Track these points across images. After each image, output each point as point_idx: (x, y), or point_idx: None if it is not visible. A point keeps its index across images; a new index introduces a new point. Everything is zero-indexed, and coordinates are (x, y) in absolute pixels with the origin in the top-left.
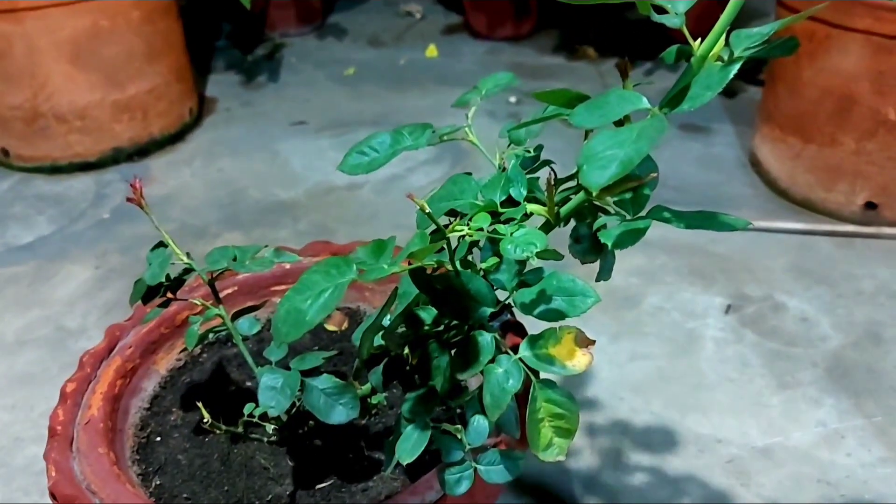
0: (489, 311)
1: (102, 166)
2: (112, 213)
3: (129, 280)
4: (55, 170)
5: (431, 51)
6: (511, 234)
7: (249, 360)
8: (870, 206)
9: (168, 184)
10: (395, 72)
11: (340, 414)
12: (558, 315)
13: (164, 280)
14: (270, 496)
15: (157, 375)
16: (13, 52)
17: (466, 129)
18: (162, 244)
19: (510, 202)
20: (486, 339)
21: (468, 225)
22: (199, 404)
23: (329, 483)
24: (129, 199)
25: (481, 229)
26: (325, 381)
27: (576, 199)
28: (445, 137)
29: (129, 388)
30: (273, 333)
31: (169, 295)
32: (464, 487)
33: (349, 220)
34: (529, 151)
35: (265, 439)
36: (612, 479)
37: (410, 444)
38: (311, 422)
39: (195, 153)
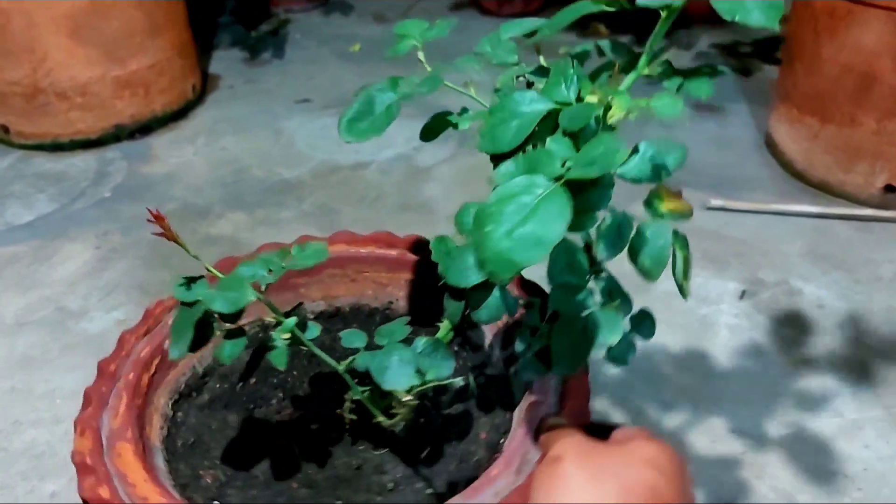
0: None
1: (104, 144)
2: (113, 192)
3: (130, 260)
4: (56, 147)
5: None
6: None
7: (323, 356)
8: (889, 189)
9: (170, 162)
10: None
11: (448, 367)
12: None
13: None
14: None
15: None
16: (11, 27)
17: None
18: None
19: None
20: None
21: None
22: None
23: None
24: (157, 234)
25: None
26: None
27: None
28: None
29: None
30: (489, 276)
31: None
32: (631, 355)
33: (354, 200)
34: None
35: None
36: None
37: (571, 341)
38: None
39: (198, 131)
